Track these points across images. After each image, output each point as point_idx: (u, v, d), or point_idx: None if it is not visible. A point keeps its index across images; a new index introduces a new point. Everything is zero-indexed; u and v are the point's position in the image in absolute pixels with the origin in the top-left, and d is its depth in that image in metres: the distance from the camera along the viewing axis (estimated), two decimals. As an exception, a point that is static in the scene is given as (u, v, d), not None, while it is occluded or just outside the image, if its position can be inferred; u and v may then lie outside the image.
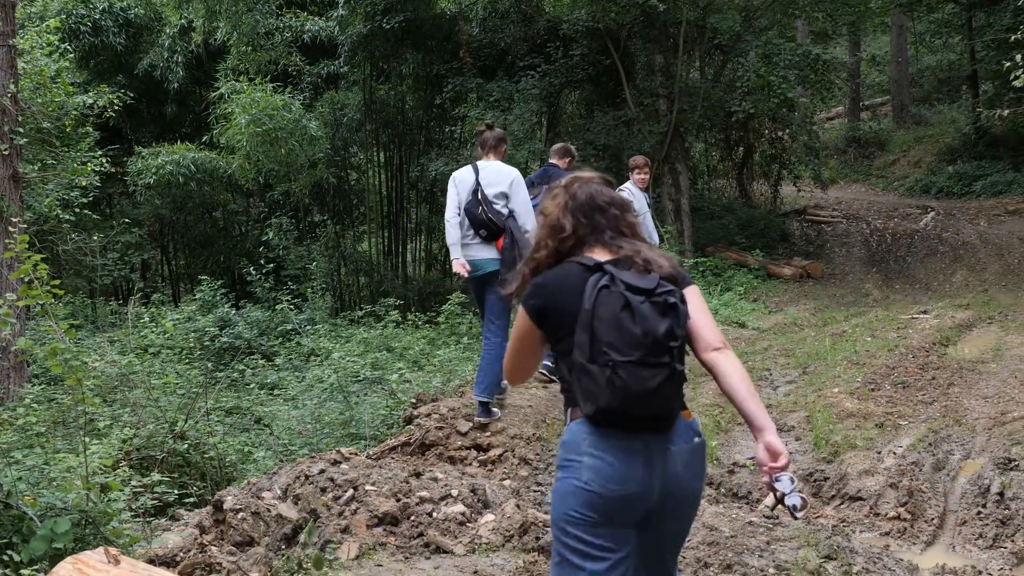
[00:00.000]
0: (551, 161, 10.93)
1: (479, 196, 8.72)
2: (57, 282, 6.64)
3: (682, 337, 3.65)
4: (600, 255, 3.83)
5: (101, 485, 5.90)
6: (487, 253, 8.74)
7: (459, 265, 8.82)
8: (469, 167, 9.08)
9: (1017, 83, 13.50)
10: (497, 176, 8.89)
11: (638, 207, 10.77)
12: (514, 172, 8.98)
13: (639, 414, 3.59)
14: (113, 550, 4.59)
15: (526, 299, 3.89)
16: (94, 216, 19.97)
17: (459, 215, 8.80)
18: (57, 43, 17.18)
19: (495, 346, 8.73)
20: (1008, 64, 13.92)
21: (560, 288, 3.80)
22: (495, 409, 9.14)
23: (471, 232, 8.77)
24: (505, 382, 8.98)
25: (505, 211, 8.72)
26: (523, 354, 3.97)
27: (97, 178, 17.18)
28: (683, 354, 3.68)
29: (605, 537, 3.65)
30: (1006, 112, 20.43)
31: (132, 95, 22.52)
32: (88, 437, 6.97)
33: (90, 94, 18.89)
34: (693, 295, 3.86)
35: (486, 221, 8.64)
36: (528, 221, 8.52)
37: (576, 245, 3.89)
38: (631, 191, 11.75)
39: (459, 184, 8.91)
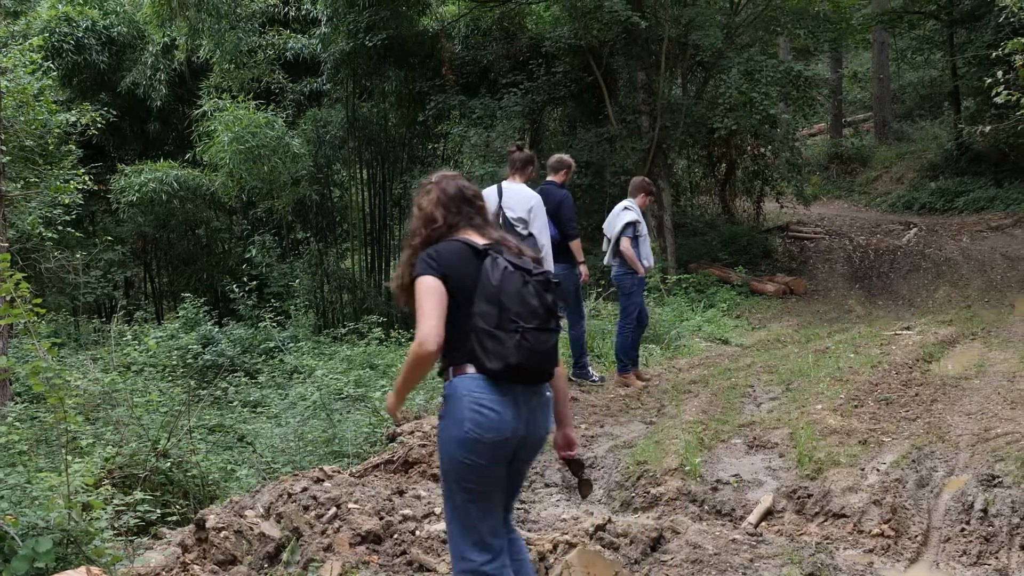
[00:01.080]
0: (548, 179, 11.12)
1: (500, 220, 9.36)
2: (39, 300, 6.63)
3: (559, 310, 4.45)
4: (477, 238, 4.59)
5: (83, 504, 5.87)
6: None
7: None
8: (495, 187, 9.78)
9: (999, 99, 13.56)
10: (519, 200, 9.62)
11: (643, 228, 11.22)
12: (535, 198, 9.66)
13: (540, 369, 4.41)
14: (95, 569, 4.58)
15: (427, 268, 4.47)
16: (77, 234, 19.91)
17: None
18: (40, 61, 17.13)
19: None
20: (989, 80, 13.97)
21: (455, 261, 4.48)
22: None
23: None
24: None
25: (525, 232, 9.43)
26: (438, 312, 4.41)
27: (80, 196, 17.13)
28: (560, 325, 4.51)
29: (486, 477, 4.43)
30: (988, 128, 20.49)
31: (115, 113, 22.52)
32: (70, 456, 6.94)
33: (73, 112, 18.88)
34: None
35: None
36: (545, 243, 9.48)
37: (447, 231, 4.61)
38: (636, 211, 11.59)
39: None
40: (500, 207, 9.55)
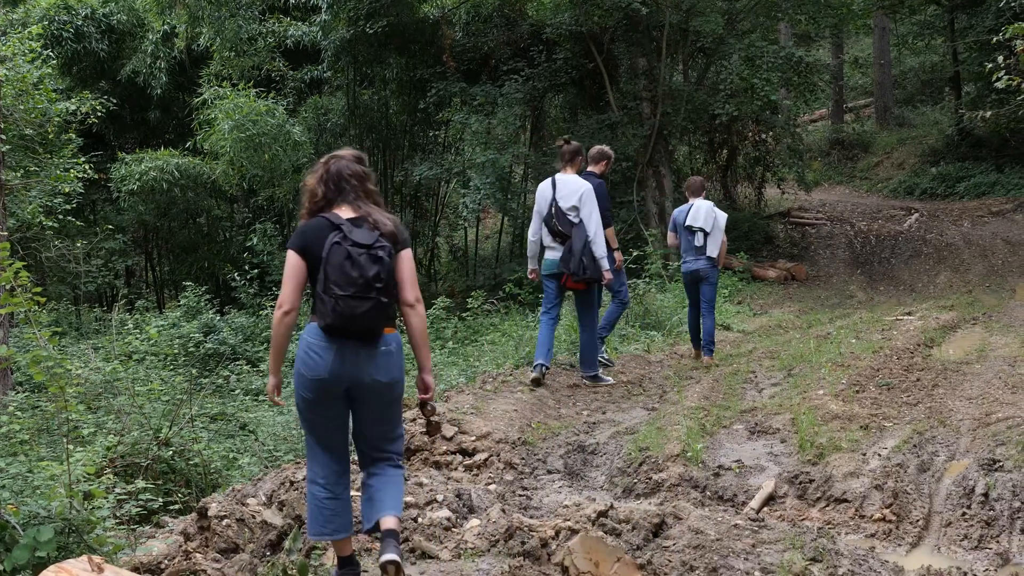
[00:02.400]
0: (588, 168, 11.68)
1: (553, 210, 10.53)
2: (39, 289, 6.62)
3: (386, 280, 5.19)
4: (345, 213, 5.35)
5: (84, 493, 5.87)
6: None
7: (530, 272, 11.29)
8: (549, 181, 10.78)
9: (999, 84, 13.51)
10: (570, 190, 10.55)
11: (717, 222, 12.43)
12: (585, 186, 10.58)
13: (351, 329, 5.16)
14: (96, 558, 4.58)
15: (293, 242, 5.38)
16: (77, 223, 19.93)
17: (539, 230, 10.77)
18: (39, 49, 17.12)
19: (547, 327, 11.00)
20: (990, 65, 13.93)
21: (313, 236, 5.29)
22: (606, 376, 11.32)
23: (551, 238, 10.66)
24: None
25: (576, 220, 10.44)
26: (291, 281, 5.33)
27: (80, 184, 17.12)
28: (389, 292, 5.24)
29: (315, 410, 5.34)
30: (989, 113, 20.46)
31: (115, 101, 22.49)
32: (72, 445, 6.94)
33: (73, 100, 18.85)
34: (404, 257, 5.42)
35: (557, 230, 10.50)
36: (592, 229, 10.45)
37: (327, 205, 5.42)
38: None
39: (540, 199, 10.79)
40: (554, 199, 10.56)
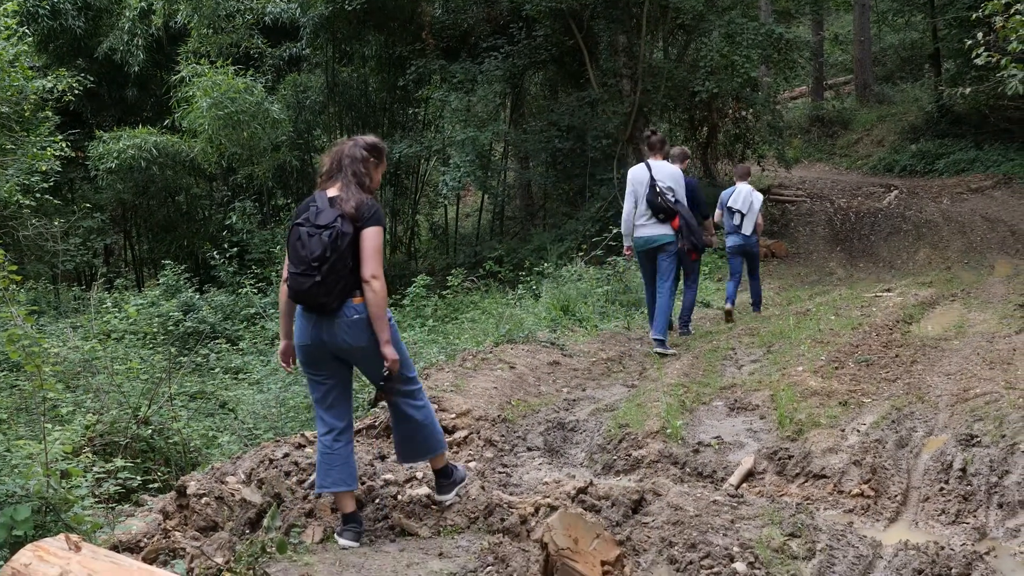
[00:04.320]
0: (675, 166, 12.59)
1: (656, 189, 11.55)
2: (16, 268, 6.57)
3: (332, 259, 5.60)
4: (333, 190, 5.86)
5: (62, 472, 5.85)
6: (663, 230, 11.63)
7: (626, 250, 12.30)
8: (643, 165, 11.84)
9: (979, 61, 13.50)
10: (665, 173, 11.68)
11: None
12: (677, 170, 11.87)
13: (304, 302, 5.74)
14: (74, 537, 4.55)
15: (292, 217, 6.23)
16: (55, 201, 19.82)
17: (635, 208, 11.74)
18: (15, 27, 16.97)
19: (666, 296, 11.76)
20: (970, 42, 13.92)
21: (297, 215, 5.89)
22: (671, 349, 11.94)
23: (649, 214, 11.63)
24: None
25: (673, 199, 11.60)
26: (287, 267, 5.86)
27: (57, 163, 17.04)
28: (337, 269, 5.62)
29: (309, 370, 5.96)
30: (968, 90, 20.47)
31: (92, 79, 22.35)
32: (50, 423, 6.92)
33: (49, 78, 18.72)
34: (366, 235, 5.71)
35: (663, 206, 11.53)
36: (686, 209, 11.76)
37: (328, 180, 5.94)
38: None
39: (635, 180, 11.77)
40: (652, 178, 11.59)
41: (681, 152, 13.14)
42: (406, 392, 6.05)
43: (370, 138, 6.15)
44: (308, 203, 5.87)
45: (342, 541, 5.74)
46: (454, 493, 6.23)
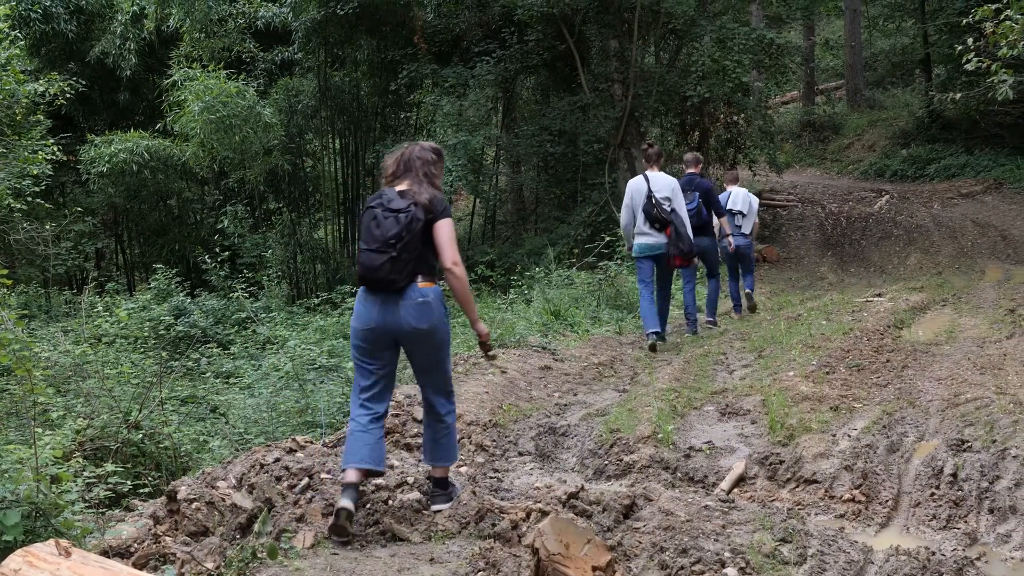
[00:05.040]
0: (689, 171, 13.98)
1: (652, 200, 12.28)
2: (6, 271, 6.56)
3: (406, 239, 6.00)
4: (402, 186, 6.25)
5: (52, 476, 5.83)
6: (660, 239, 12.34)
7: (628, 248, 13.04)
8: (641, 177, 12.60)
9: (969, 67, 13.54)
10: (662, 184, 12.40)
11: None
12: (674, 181, 12.57)
13: (371, 278, 6.06)
14: (64, 542, 4.54)
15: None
16: (46, 205, 19.78)
17: (632, 219, 12.51)
18: (7, 30, 16.95)
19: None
20: (960, 48, 13.95)
21: (369, 202, 6.33)
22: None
23: (647, 224, 12.36)
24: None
25: (669, 209, 12.30)
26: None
27: (49, 167, 17.01)
28: (410, 249, 6.02)
29: (364, 352, 6.20)
30: (959, 96, 20.49)
31: (84, 83, 22.36)
32: (40, 428, 6.90)
33: (41, 82, 18.69)
34: (440, 226, 6.16)
35: (658, 217, 12.26)
36: (684, 217, 12.47)
37: (394, 179, 6.35)
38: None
39: (634, 192, 12.53)
40: (650, 190, 12.31)
41: (694, 157, 14.24)
42: (448, 391, 6.46)
43: (433, 144, 6.65)
44: (379, 194, 6.29)
45: (344, 502, 5.85)
46: (445, 506, 6.27)
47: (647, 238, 12.41)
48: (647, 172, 12.60)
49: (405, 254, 6.00)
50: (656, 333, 12.41)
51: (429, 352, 6.22)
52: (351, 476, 5.98)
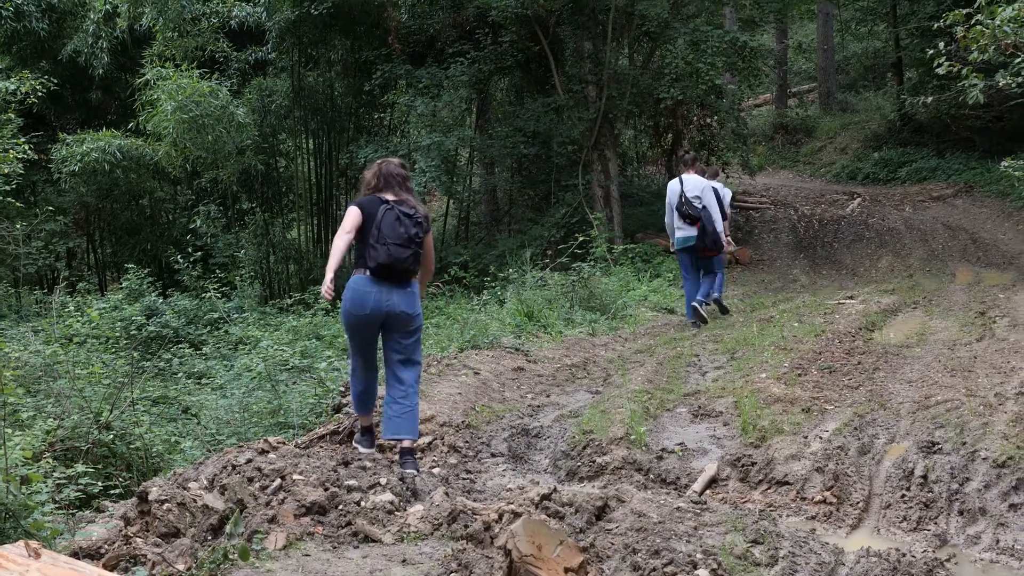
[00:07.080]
0: (689, 171, 14.71)
1: (683, 199, 14.04)
2: (-24, 271, 6.52)
3: (421, 239, 7.43)
4: (390, 196, 7.49)
5: (22, 477, 5.80)
6: (691, 231, 14.15)
7: (671, 245, 14.86)
8: (677, 179, 14.42)
9: (940, 71, 13.62)
10: (693, 184, 14.18)
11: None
12: (705, 183, 14.29)
13: (396, 268, 7.30)
14: (34, 543, 4.52)
15: (355, 203, 7.57)
16: (17, 204, 19.66)
17: (672, 215, 14.29)
18: (-22, 28, 16.85)
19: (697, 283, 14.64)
20: (931, 52, 14.05)
21: (368, 204, 7.48)
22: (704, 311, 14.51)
23: (682, 221, 14.15)
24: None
25: (700, 206, 14.01)
26: (350, 222, 7.40)
27: (20, 165, 16.92)
28: (420, 247, 7.44)
29: (360, 332, 7.52)
30: (930, 99, 20.61)
31: (56, 81, 22.20)
32: (10, 428, 6.86)
33: (12, 80, 18.61)
34: (428, 239, 7.64)
35: (687, 213, 14.05)
36: (714, 215, 14.11)
37: (376, 191, 7.57)
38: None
39: (671, 194, 14.33)
40: (682, 192, 14.07)
41: (713, 170, 16.20)
42: (420, 364, 7.77)
43: (398, 159, 7.95)
44: (381, 199, 7.49)
45: (363, 449, 7.81)
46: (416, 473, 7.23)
47: (681, 231, 14.23)
48: (682, 175, 14.41)
49: (419, 251, 7.44)
50: (697, 302, 14.26)
51: (407, 331, 7.51)
52: (363, 421, 8.00)
